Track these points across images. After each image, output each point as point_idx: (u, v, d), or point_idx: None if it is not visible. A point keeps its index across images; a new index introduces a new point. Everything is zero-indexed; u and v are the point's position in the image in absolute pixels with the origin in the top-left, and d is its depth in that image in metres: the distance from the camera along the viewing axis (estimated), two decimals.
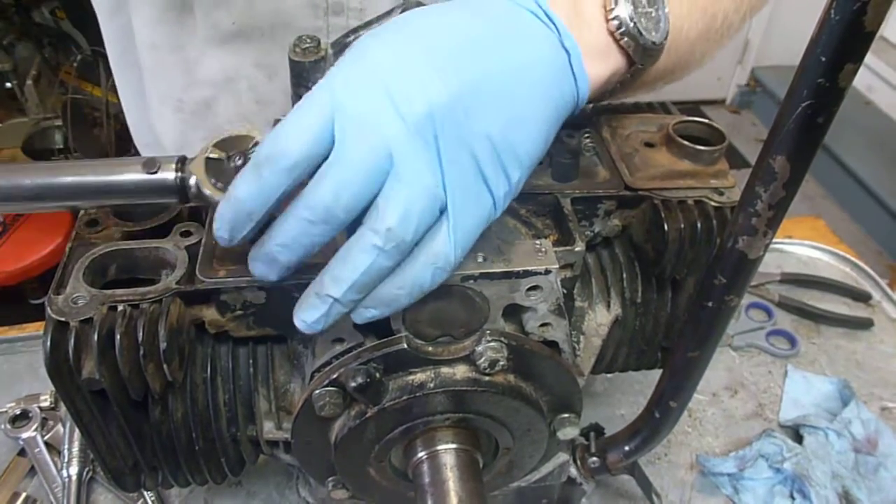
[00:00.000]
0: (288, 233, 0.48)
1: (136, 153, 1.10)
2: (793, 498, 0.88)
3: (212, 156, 0.52)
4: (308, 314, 0.49)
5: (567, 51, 0.52)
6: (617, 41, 0.55)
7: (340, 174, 0.46)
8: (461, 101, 0.47)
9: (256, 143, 0.52)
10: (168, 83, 0.93)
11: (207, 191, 0.51)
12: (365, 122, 0.46)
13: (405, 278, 0.48)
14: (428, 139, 0.46)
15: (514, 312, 0.58)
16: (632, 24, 0.54)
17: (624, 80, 0.59)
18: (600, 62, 0.55)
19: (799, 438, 0.94)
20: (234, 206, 0.48)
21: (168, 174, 0.52)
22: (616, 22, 0.54)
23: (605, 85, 0.57)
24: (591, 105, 0.77)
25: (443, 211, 0.47)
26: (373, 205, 0.47)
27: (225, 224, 0.48)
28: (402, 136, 0.46)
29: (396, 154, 0.46)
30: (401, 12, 0.59)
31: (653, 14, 0.56)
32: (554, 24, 0.52)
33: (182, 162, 0.53)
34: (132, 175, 0.52)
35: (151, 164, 0.52)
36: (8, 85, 2.76)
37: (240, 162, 0.51)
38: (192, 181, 0.52)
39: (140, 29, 0.89)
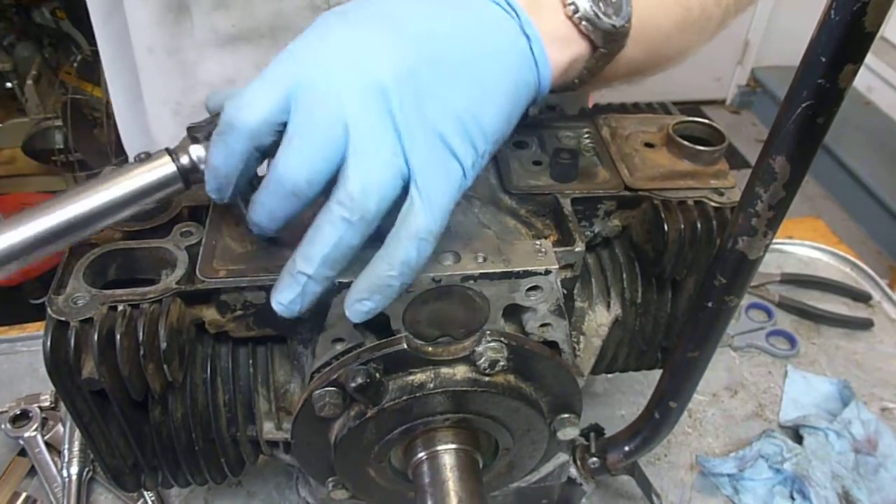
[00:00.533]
0: (265, 204, 0.51)
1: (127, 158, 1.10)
2: (793, 498, 0.88)
3: (193, 125, 0.54)
4: (283, 295, 0.50)
5: (528, 37, 0.53)
6: (576, 26, 0.56)
7: (300, 146, 0.48)
8: (421, 76, 0.48)
9: None
10: (166, 86, 0.93)
11: (201, 151, 0.53)
12: (321, 95, 0.47)
13: (392, 258, 0.48)
14: (383, 111, 0.47)
15: (514, 313, 0.58)
16: (589, 9, 0.55)
17: (591, 66, 0.59)
18: (562, 47, 0.56)
19: (799, 439, 0.94)
20: (212, 172, 0.52)
21: (164, 163, 0.53)
22: (573, 7, 0.55)
23: (569, 70, 0.58)
24: (593, 105, 0.77)
25: (408, 182, 0.48)
26: (339, 176, 0.48)
27: (211, 185, 0.52)
28: (358, 108, 0.47)
29: (352, 126, 0.47)
30: None
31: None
32: (515, 11, 0.53)
33: (170, 150, 0.53)
34: (132, 182, 0.52)
35: (141, 154, 0.53)
36: (8, 85, 2.76)
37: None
38: (185, 159, 0.53)
39: (136, 32, 0.89)
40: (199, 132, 0.53)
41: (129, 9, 0.87)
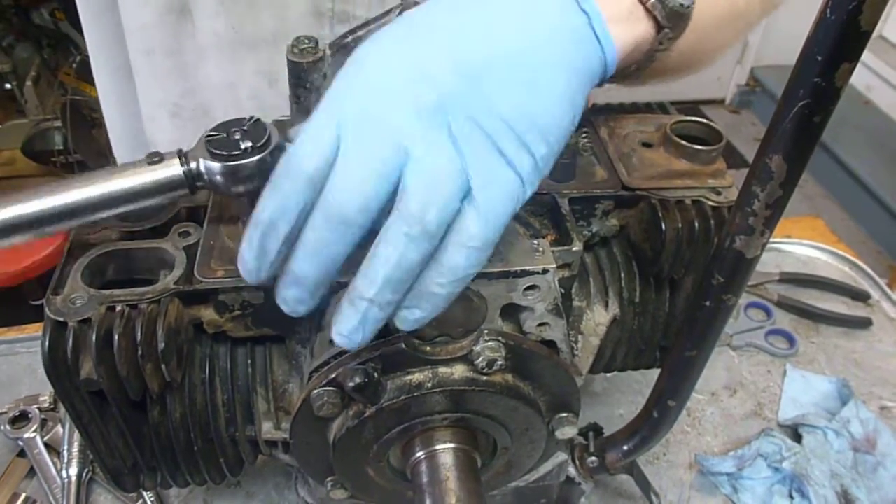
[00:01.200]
0: (309, 243, 0.46)
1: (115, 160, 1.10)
2: (791, 497, 0.88)
3: (211, 134, 0.52)
4: (344, 325, 0.47)
5: (586, 13, 0.50)
6: (643, 3, 0.54)
7: (350, 168, 0.45)
8: (470, 82, 0.45)
9: (252, 118, 0.53)
10: (164, 88, 0.93)
11: (215, 163, 0.51)
12: (372, 117, 0.45)
13: (442, 268, 0.46)
14: (440, 124, 0.45)
15: (511, 312, 0.58)
16: None
17: (650, 51, 0.57)
18: (626, 26, 0.53)
19: (798, 438, 0.94)
20: (259, 225, 0.46)
21: (173, 165, 0.52)
22: None
23: (634, 51, 0.55)
24: (591, 105, 0.77)
25: (466, 194, 0.46)
26: (396, 198, 0.45)
27: (251, 249, 0.47)
28: (413, 122, 0.45)
29: (408, 141, 0.44)
30: (399, 13, 0.59)
31: None
32: None
33: (182, 153, 0.52)
34: (138, 177, 0.51)
35: (154, 155, 0.52)
36: (7, 86, 2.77)
37: (237, 136, 0.52)
38: (195, 164, 0.52)
39: (133, 33, 0.88)
40: (223, 149, 0.52)
41: (127, 10, 0.87)
